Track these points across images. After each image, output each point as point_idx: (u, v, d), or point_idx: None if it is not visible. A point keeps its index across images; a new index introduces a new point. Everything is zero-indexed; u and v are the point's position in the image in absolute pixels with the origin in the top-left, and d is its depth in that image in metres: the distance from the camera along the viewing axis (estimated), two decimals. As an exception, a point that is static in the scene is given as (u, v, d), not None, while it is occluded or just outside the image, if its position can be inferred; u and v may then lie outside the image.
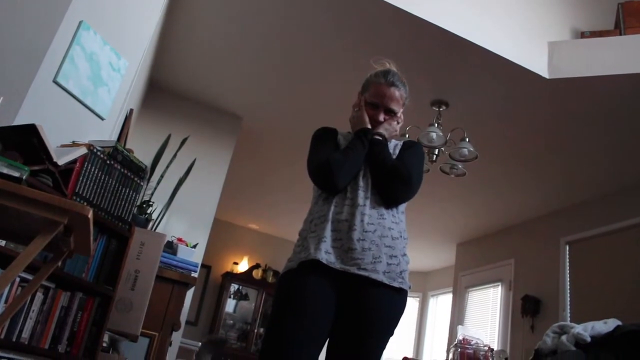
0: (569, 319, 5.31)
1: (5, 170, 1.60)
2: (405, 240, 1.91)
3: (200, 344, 5.41)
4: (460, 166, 4.49)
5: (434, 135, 4.19)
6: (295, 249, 1.89)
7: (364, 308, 1.75)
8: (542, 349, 3.10)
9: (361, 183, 1.90)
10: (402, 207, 1.97)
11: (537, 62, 4.01)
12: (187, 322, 6.36)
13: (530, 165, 5.21)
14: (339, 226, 1.81)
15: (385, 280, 1.76)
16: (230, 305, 8.43)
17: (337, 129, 2.14)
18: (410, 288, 1.86)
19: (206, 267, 8.21)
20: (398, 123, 2.08)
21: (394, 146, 2.09)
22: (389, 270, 1.78)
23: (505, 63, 3.91)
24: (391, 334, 1.80)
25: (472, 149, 4.26)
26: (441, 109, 4.47)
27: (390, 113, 2.03)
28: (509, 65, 3.92)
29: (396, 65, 2.15)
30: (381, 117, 2.01)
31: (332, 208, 1.85)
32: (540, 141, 4.78)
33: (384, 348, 1.78)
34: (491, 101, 4.39)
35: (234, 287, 8.48)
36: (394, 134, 2.07)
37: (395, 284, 1.78)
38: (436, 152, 4.38)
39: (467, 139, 4.29)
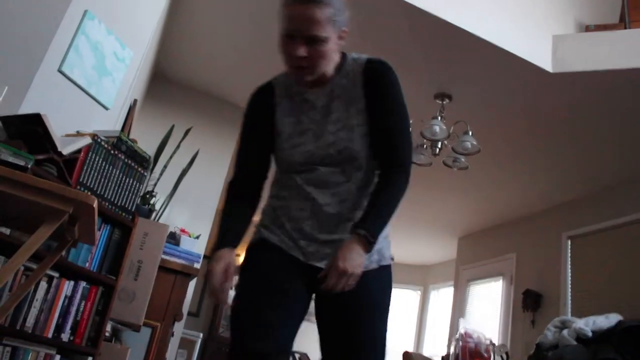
0: (569, 313, 5.33)
1: (10, 159, 1.61)
2: None
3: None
4: (462, 159, 4.49)
5: (437, 128, 4.18)
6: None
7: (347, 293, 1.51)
8: (543, 343, 3.11)
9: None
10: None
11: (541, 56, 3.99)
12: (189, 313, 6.38)
13: (533, 159, 5.20)
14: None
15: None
16: (231, 296, 8.45)
17: (274, 82, 1.75)
18: (393, 259, 1.65)
19: (209, 258, 8.21)
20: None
21: (351, 72, 1.57)
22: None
23: (509, 56, 3.89)
24: (385, 308, 1.60)
25: (475, 143, 4.25)
26: (444, 102, 4.46)
27: (314, 42, 1.47)
28: (513, 59, 3.91)
29: None
30: (301, 51, 1.47)
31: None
32: (543, 135, 4.77)
33: (384, 324, 1.58)
34: (495, 94, 4.38)
35: (235, 278, 8.49)
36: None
37: (374, 265, 1.57)
38: (439, 145, 4.37)
39: (470, 133, 4.29)
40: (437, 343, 8.36)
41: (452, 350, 2.45)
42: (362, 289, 1.48)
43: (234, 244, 1.58)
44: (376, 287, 1.57)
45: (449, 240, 7.90)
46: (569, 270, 5.61)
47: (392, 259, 1.66)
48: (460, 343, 2.40)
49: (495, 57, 3.93)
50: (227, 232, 1.59)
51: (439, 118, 4.28)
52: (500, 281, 6.67)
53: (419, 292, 9.27)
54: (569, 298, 5.48)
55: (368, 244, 1.43)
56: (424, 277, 9.24)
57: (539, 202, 6.10)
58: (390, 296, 1.62)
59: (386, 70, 1.59)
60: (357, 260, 1.40)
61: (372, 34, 3.91)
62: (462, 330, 2.38)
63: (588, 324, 2.97)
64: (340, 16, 1.49)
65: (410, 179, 1.56)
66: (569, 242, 5.73)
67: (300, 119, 1.61)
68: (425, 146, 4.43)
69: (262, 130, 1.68)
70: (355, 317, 1.53)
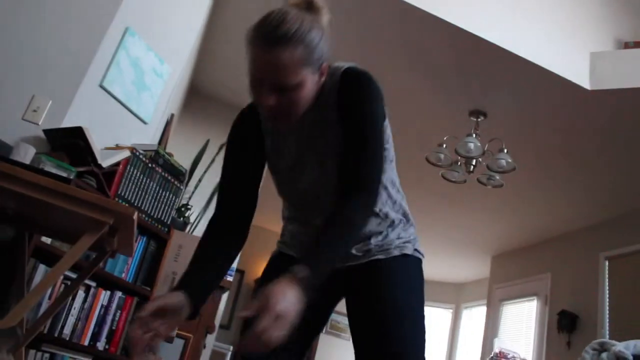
0: (607, 336, 5.18)
1: (54, 171, 1.66)
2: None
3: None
4: (497, 177, 4.44)
5: (471, 145, 4.15)
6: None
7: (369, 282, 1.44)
8: (579, 366, 3.03)
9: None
10: None
11: (579, 73, 3.94)
12: (220, 326, 6.42)
13: (569, 177, 5.11)
14: None
15: (381, 256, 1.45)
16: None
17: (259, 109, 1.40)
18: (423, 255, 1.52)
19: (240, 271, 8.27)
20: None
21: (327, 91, 1.34)
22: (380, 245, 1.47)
23: (545, 73, 3.85)
24: (413, 287, 1.45)
25: (510, 160, 4.20)
26: (479, 119, 4.43)
27: (285, 91, 1.22)
28: (549, 76, 3.87)
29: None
30: (270, 101, 1.23)
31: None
32: (579, 153, 4.69)
33: (412, 304, 1.42)
34: (530, 112, 4.33)
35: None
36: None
37: (396, 252, 1.46)
38: (473, 163, 4.33)
39: (505, 150, 4.24)
40: (469, 363, 8.22)
41: (485, 370, 2.41)
42: (384, 272, 1.42)
43: (190, 292, 1.26)
44: (401, 268, 1.45)
45: (482, 259, 7.79)
46: (607, 292, 5.46)
47: (422, 254, 1.52)
48: (494, 363, 2.36)
49: (531, 74, 3.90)
50: (185, 282, 1.30)
51: (474, 135, 4.25)
52: (535, 301, 6.53)
53: (451, 311, 9.14)
54: (607, 320, 5.33)
55: (308, 288, 1.13)
56: (456, 296, 9.11)
57: (574, 221, 5.97)
58: (419, 278, 1.48)
59: (364, 81, 1.35)
60: (295, 305, 1.08)
61: (408, 50, 3.92)
62: (496, 350, 2.33)
63: (629, 348, 2.88)
64: (316, 52, 1.23)
65: (373, 203, 1.34)
66: (607, 263, 5.58)
67: (284, 152, 1.45)
68: (459, 163, 4.40)
69: (250, 157, 1.49)
70: (380, 297, 1.40)
